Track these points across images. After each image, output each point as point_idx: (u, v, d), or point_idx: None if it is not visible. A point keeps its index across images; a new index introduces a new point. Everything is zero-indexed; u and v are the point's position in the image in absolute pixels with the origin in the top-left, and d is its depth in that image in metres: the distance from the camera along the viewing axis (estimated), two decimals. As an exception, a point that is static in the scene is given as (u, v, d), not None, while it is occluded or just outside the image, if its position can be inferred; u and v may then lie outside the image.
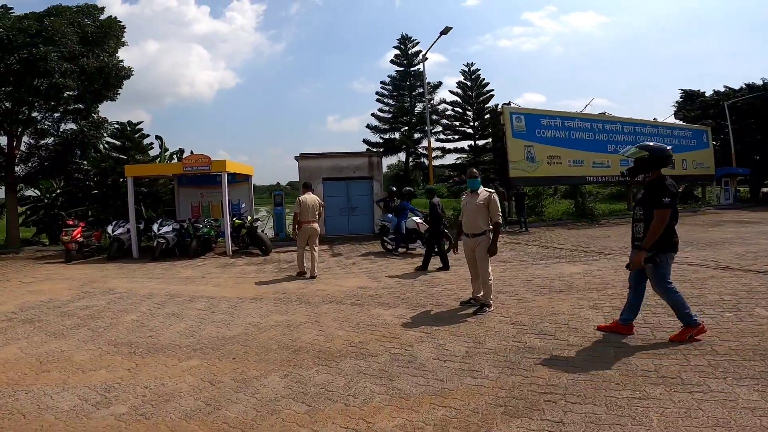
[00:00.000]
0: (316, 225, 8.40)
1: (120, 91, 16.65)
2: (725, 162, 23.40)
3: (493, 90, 16.25)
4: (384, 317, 5.40)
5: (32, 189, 16.15)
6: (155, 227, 11.26)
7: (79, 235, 11.40)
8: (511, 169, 15.88)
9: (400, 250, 10.92)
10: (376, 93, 16.09)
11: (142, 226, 12.65)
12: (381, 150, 14.98)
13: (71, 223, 11.72)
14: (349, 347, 4.36)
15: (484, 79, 16.22)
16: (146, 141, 15.80)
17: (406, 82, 15.71)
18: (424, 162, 15.79)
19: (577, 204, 18.12)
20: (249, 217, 12.17)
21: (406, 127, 15.26)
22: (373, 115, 16.09)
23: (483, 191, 5.51)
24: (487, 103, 15.91)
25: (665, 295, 4.06)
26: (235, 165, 12.23)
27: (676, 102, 28.73)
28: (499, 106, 16.32)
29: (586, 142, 17.98)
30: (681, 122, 22.10)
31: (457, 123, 16.16)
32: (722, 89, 25.81)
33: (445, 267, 8.48)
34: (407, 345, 4.36)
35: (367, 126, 15.34)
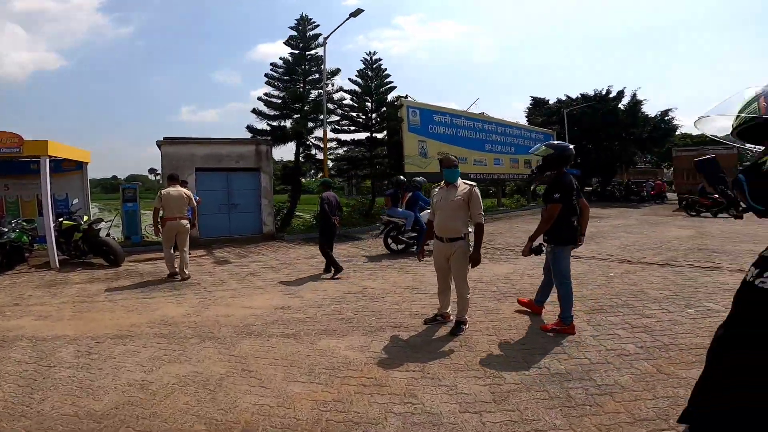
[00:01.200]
0: (185, 222, 7.40)
1: None
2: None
3: (393, 82, 15.41)
4: (341, 352, 3.88)
5: None
6: None
7: None
8: (407, 164, 15.44)
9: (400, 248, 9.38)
10: (266, 75, 13.80)
11: None
12: (269, 138, 12.79)
13: None
14: (327, 414, 2.78)
15: (386, 69, 15.30)
16: None
17: (301, 67, 13.85)
18: (315, 154, 14.11)
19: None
20: (85, 217, 8.91)
21: (298, 115, 13.42)
22: (261, 98, 13.77)
23: (462, 184, 4.39)
24: (388, 94, 15.05)
25: (559, 286, 4.24)
26: (61, 147, 8.80)
27: (527, 107, 32.87)
28: (397, 99, 15.72)
29: (469, 140, 18.74)
30: (534, 126, 25.09)
31: (355, 114, 14.93)
32: (563, 97, 30.23)
33: (338, 269, 7.34)
34: (408, 396, 2.99)
35: (253, 111, 13.05)
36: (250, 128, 13.66)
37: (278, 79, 14.07)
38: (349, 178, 15.96)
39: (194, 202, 8.04)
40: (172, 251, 7.40)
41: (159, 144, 10.62)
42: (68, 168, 10.11)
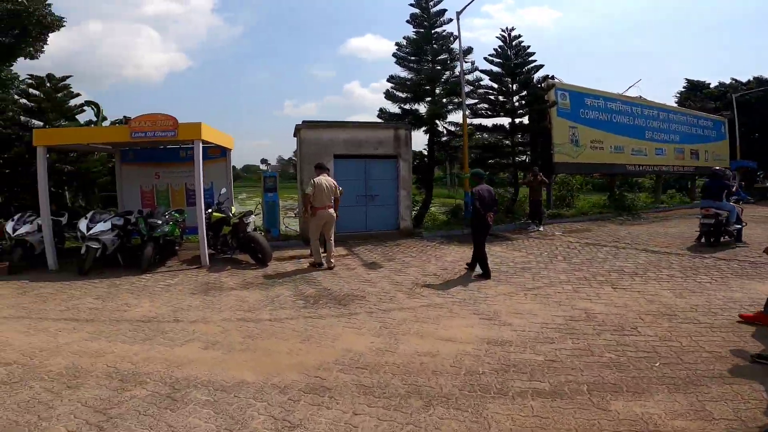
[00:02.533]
0: (332, 211, 7.47)
1: (44, 47, 11.89)
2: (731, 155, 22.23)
3: (536, 60, 13.10)
4: (670, 424, 2.17)
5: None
6: (82, 224, 7.15)
7: (-41, 237, 7.07)
8: (556, 153, 13.13)
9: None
10: (394, 55, 12.45)
11: (64, 220, 8.40)
12: (408, 121, 11.39)
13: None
14: None
15: (528, 47, 13.04)
16: (73, 102, 11.11)
17: (429, 46, 12.17)
18: (450, 140, 12.40)
19: (612, 196, 15.76)
20: (233, 209, 8.34)
21: (430, 98, 11.79)
22: (391, 79, 12.45)
23: None
24: (533, 74, 12.79)
25: None
26: (212, 132, 8.30)
27: (679, 92, 27.69)
28: (543, 82, 13.36)
29: (626, 126, 15.72)
30: (698, 111, 20.44)
31: (493, 97, 12.91)
32: (728, 81, 24.87)
33: (486, 275, 6.50)
34: None
35: (386, 93, 11.77)
36: (383, 111, 12.45)
37: (404, 59, 12.60)
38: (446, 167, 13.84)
39: (338, 192, 7.55)
40: (318, 242, 7.39)
41: (297, 128, 9.80)
42: (213, 155, 9.79)
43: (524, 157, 13.43)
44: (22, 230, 7.31)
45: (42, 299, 5.61)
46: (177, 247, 8.19)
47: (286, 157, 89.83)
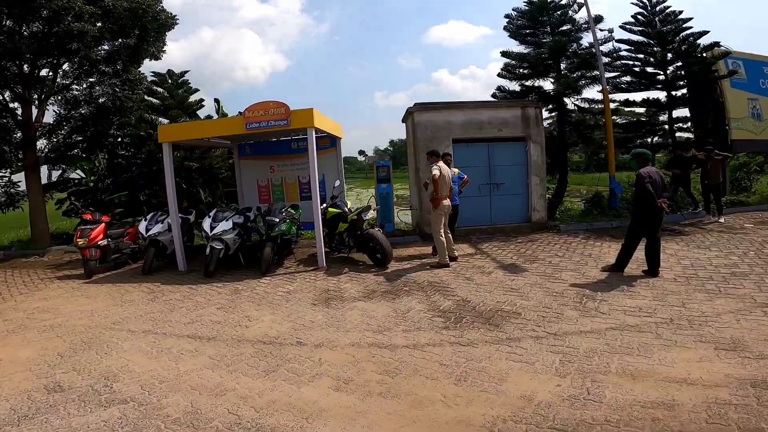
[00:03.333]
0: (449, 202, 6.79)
1: (164, 48, 12.65)
2: None
3: (690, 22, 10.35)
4: None
5: (75, 170, 12.68)
6: (206, 224, 7.04)
7: (100, 237, 7.46)
8: (734, 128, 10.37)
9: None
10: (505, 29, 10.77)
11: (192, 217, 8.57)
12: (537, 98, 9.74)
13: (89, 217, 7.78)
14: None
15: (680, 12, 10.41)
16: (194, 98, 11.59)
17: (545, 17, 10.17)
18: (585, 119, 10.36)
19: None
20: (348, 203, 7.68)
21: (554, 73, 9.87)
22: (505, 55, 10.80)
23: None
24: (690, 42, 10.14)
25: None
26: (324, 119, 7.72)
27: None
28: (709, 50, 10.58)
29: None
30: None
31: (638, 68, 10.53)
32: None
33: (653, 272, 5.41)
34: None
35: (502, 71, 10.24)
36: (501, 89, 10.88)
37: (518, 33, 10.77)
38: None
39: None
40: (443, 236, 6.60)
41: (409, 112, 8.79)
42: (323, 146, 9.31)
43: (685, 134, 10.75)
44: (154, 230, 7.49)
45: (169, 307, 5.43)
46: (293, 246, 7.81)
47: (382, 148, 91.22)
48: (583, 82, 10.27)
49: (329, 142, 9.31)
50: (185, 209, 8.72)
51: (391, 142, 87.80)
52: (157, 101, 10.91)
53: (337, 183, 7.95)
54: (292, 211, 7.66)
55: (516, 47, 10.94)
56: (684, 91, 10.87)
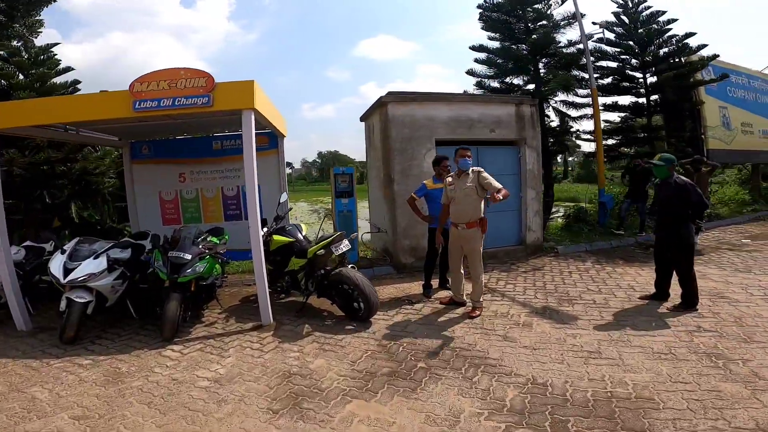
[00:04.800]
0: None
1: (40, 29, 9.21)
2: None
3: (672, 29, 9.84)
4: None
5: None
6: (56, 264, 4.14)
7: None
8: (710, 137, 9.91)
9: None
10: (480, 19, 9.35)
11: (49, 247, 5.42)
12: (533, 95, 8.30)
13: None
14: None
15: (664, 12, 9.82)
16: (63, 80, 8.15)
17: (524, 8, 9.01)
18: (567, 124, 9.19)
19: (757, 189, 12.29)
20: (304, 228, 5.26)
21: (531, 72, 8.64)
22: (480, 49, 9.37)
23: None
24: (663, 47, 9.54)
25: None
26: (267, 103, 5.23)
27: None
28: (690, 54, 10.09)
29: None
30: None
31: (618, 70, 9.75)
32: None
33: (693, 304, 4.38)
34: None
35: (483, 62, 8.79)
36: (481, 86, 9.35)
37: (492, 25, 9.49)
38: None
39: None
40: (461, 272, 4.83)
41: (382, 103, 6.63)
42: (260, 146, 6.75)
43: (663, 143, 10.08)
44: (83, 271, 4.28)
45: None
46: (217, 290, 5.11)
47: (310, 160, 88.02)
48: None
49: (267, 141, 6.83)
50: (41, 236, 5.62)
51: (320, 154, 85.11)
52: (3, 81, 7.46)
53: (284, 197, 5.50)
54: (214, 240, 5.01)
55: (490, 42, 9.62)
56: (657, 96, 10.27)
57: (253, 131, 4.42)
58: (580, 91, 9.37)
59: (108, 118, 4.59)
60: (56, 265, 4.07)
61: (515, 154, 7.31)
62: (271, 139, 6.80)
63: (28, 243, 5.30)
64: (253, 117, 4.45)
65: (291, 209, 5.70)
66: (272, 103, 5.66)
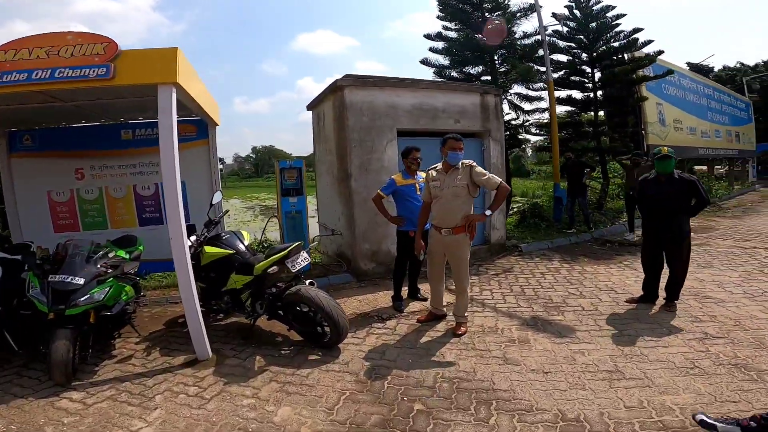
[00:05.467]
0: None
1: None
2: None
3: (621, 24, 10.01)
4: None
5: None
6: None
7: None
8: (650, 133, 10.32)
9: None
10: (439, 4, 8.77)
11: None
12: (497, 84, 7.93)
13: None
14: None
15: (612, 7, 9.93)
16: None
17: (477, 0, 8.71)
18: (519, 118, 9.08)
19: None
20: (245, 236, 4.22)
21: (487, 62, 8.37)
22: (436, 37, 8.93)
23: None
24: (611, 42, 9.68)
25: None
26: (195, 80, 4.10)
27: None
28: (635, 50, 10.31)
29: (695, 106, 13.88)
30: (730, 90, 18.59)
31: (567, 64, 9.79)
32: (734, 65, 23.97)
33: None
34: None
35: (441, 51, 8.26)
36: (440, 75, 8.85)
37: (451, 13, 9.08)
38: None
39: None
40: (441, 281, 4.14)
41: (338, 87, 5.67)
42: (187, 135, 5.51)
43: (607, 138, 10.27)
44: None
45: None
46: (131, 315, 3.86)
47: (243, 155, 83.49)
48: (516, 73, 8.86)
49: (195, 130, 5.65)
50: None
51: (254, 149, 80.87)
52: None
53: (217, 197, 4.39)
54: (120, 253, 3.76)
55: (449, 30, 9.15)
56: (603, 92, 10.47)
57: (174, 114, 3.33)
58: (534, 85, 9.20)
59: None
60: None
61: (479, 147, 6.82)
62: (199, 128, 5.63)
63: None
64: (174, 95, 3.35)
65: (227, 212, 4.60)
66: (203, 83, 4.53)
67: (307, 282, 3.76)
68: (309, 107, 7.36)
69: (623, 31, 10.01)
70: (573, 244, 7.60)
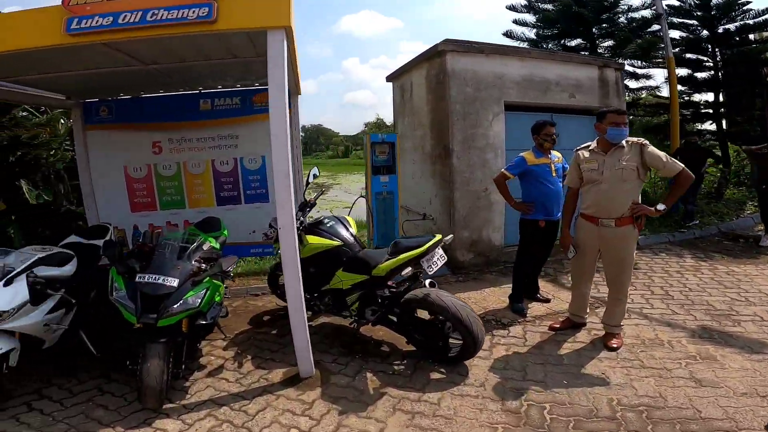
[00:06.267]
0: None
1: None
2: None
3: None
4: None
5: None
6: None
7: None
8: None
9: None
10: None
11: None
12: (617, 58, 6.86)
13: None
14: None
15: None
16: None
17: None
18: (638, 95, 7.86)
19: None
20: (351, 223, 3.56)
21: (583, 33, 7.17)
22: (524, 8, 7.88)
23: None
24: (737, 20, 8.14)
25: None
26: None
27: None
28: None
29: None
30: None
31: (685, 42, 8.39)
32: None
33: None
34: None
35: (507, 34, 7.26)
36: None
37: None
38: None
39: None
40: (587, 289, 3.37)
41: (438, 52, 4.85)
42: (265, 105, 4.95)
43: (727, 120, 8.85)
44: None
45: None
46: (224, 316, 3.32)
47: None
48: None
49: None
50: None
51: (303, 128, 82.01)
52: None
53: (314, 172, 3.74)
54: (211, 241, 3.20)
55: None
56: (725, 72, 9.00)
57: (285, 64, 2.66)
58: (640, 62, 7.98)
59: (18, 48, 2.65)
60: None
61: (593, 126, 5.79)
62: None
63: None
64: (285, 44, 2.67)
65: (324, 191, 3.98)
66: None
67: (427, 283, 3.06)
68: (389, 78, 6.66)
69: (752, 9, 8.48)
70: (697, 238, 6.46)
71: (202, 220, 3.94)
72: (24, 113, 6.05)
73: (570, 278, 3.47)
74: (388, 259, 2.85)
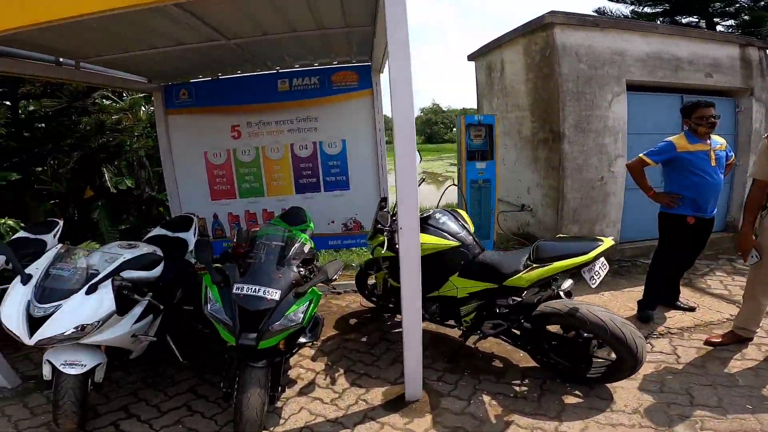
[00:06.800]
0: None
1: None
2: None
3: None
4: None
5: None
6: (12, 304, 2.02)
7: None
8: None
9: None
10: None
11: (52, 239, 3.13)
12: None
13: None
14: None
15: None
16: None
17: None
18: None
19: None
20: (465, 217, 3.04)
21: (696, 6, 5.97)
22: None
23: None
24: None
25: None
26: None
27: None
28: None
29: None
30: None
31: None
32: None
33: None
34: None
35: (600, 11, 6.26)
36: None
37: None
38: None
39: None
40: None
41: (544, 25, 4.18)
42: (346, 85, 4.54)
43: None
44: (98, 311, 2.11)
45: None
46: (319, 327, 2.97)
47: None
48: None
49: (356, 78, 4.58)
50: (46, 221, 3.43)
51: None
52: None
53: (418, 160, 3.24)
54: (306, 240, 2.66)
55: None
56: None
57: (407, 22, 2.14)
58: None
59: (81, 14, 2.24)
60: (13, 310, 2.02)
61: (731, 109, 4.87)
62: (361, 75, 4.57)
63: (21, 234, 3.00)
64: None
65: (423, 179, 3.49)
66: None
67: (562, 292, 2.48)
68: (471, 57, 6.05)
69: None
70: None
71: (286, 210, 3.64)
72: (106, 101, 6.11)
73: (747, 288, 2.78)
74: (533, 267, 2.30)
